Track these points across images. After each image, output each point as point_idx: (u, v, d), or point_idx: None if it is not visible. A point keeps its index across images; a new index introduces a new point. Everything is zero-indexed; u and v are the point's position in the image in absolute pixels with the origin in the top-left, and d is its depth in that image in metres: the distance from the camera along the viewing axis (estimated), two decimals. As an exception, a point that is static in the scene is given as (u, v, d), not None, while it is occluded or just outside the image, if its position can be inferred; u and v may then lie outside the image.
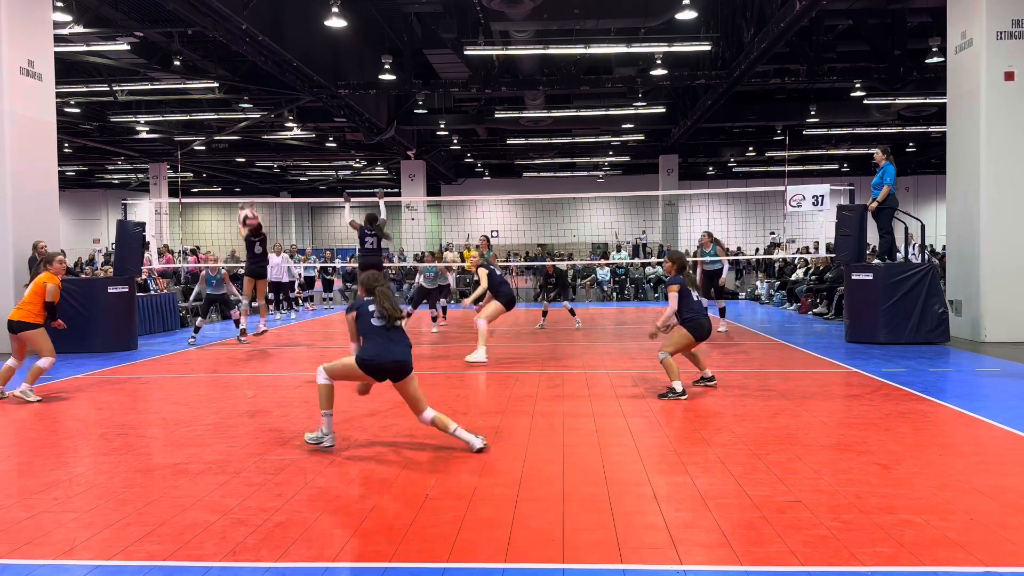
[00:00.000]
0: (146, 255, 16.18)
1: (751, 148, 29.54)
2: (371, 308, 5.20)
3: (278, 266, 16.41)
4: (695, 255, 13.83)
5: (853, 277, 11.09)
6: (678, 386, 6.90)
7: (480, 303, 9.91)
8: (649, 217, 30.44)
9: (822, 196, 12.77)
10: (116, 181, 35.91)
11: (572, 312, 14.02)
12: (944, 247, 15.75)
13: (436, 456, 5.09)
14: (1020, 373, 8.26)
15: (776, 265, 22.51)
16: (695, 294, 7.16)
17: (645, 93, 21.09)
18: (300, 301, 19.27)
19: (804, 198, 12.86)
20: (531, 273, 24.52)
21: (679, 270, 7.27)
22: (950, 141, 12.00)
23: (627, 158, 31.96)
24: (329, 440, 5.28)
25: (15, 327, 7.41)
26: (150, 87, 18.37)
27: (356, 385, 5.56)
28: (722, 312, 12.84)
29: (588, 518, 3.85)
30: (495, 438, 5.57)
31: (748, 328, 13.71)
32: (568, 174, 35.35)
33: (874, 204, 11.14)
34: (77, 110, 20.63)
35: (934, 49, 15.60)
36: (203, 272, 13.70)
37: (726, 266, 12.81)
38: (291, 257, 17.42)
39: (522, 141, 26.69)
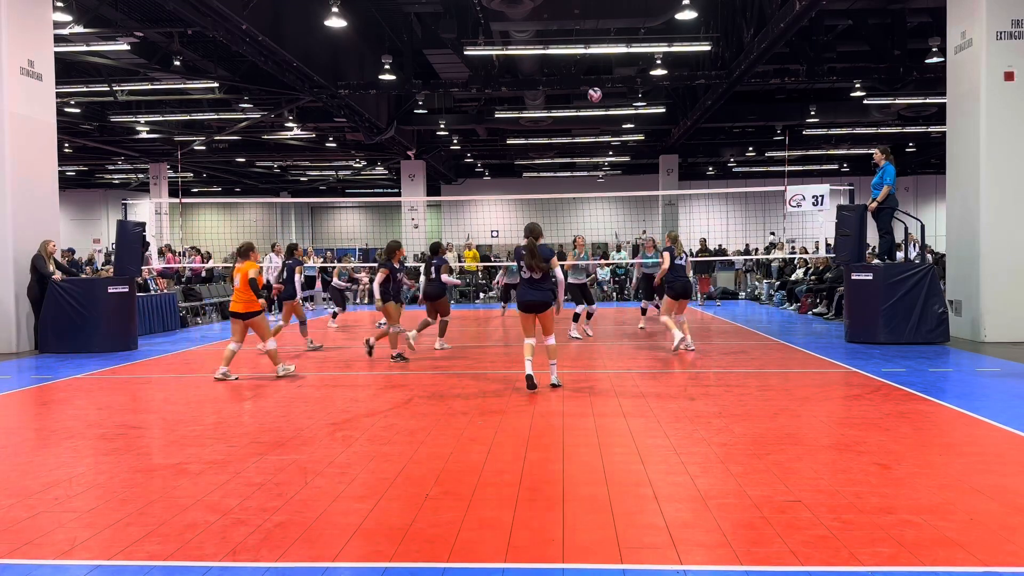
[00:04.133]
0: (146, 254, 16.18)
1: (751, 148, 29.52)
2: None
3: (278, 268, 16.38)
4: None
5: (853, 277, 11.09)
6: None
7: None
8: (649, 217, 30.42)
9: (822, 196, 12.77)
10: (116, 181, 35.90)
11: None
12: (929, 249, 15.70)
13: (436, 456, 5.09)
14: (1020, 373, 8.26)
15: (776, 265, 22.51)
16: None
17: (645, 93, 21.07)
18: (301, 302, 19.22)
19: (804, 198, 12.87)
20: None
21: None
22: (950, 141, 12.00)
23: (627, 158, 31.94)
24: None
25: (244, 316, 8.39)
26: (150, 87, 18.36)
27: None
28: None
29: (588, 518, 3.85)
30: (495, 438, 5.57)
31: (748, 328, 13.71)
32: (568, 174, 35.32)
33: (874, 204, 11.15)
34: (77, 110, 20.62)
35: (934, 49, 15.58)
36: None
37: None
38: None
39: (522, 141, 26.68)
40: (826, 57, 16.64)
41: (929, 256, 12.34)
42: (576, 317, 12.65)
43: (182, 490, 4.42)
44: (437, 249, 11.25)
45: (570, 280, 12.64)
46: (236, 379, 8.43)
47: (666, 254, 10.48)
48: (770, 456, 4.96)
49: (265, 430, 5.95)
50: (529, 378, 7.37)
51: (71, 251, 18.61)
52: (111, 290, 11.42)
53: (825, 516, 3.82)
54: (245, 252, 8.63)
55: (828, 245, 20.77)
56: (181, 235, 28.04)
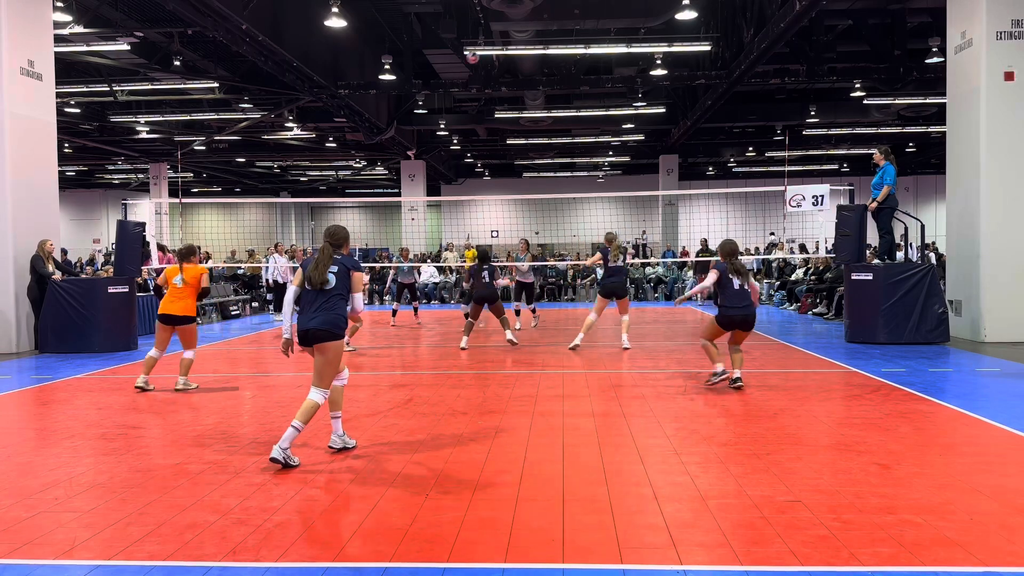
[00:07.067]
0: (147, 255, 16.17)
1: (751, 148, 29.52)
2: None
3: (278, 267, 16.45)
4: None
5: (853, 277, 11.09)
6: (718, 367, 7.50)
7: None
8: (649, 217, 30.43)
9: (822, 196, 12.77)
10: (116, 181, 35.89)
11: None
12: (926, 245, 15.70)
13: (436, 456, 5.09)
14: (1020, 373, 8.26)
15: (775, 265, 22.51)
16: (736, 282, 7.40)
17: (645, 93, 21.08)
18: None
19: (804, 198, 12.86)
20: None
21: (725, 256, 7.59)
22: (950, 141, 12.00)
23: (627, 158, 31.94)
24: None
25: (177, 320, 7.81)
26: (150, 87, 18.36)
27: None
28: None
29: (588, 518, 3.85)
30: (495, 438, 5.57)
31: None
32: (568, 174, 35.32)
33: (874, 204, 11.15)
34: (77, 110, 20.61)
35: (934, 49, 15.59)
36: (395, 260, 15.89)
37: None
38: (292, 258, 17.51)
39: (522, 141, 26.67)
40: (826, 57, 16.63)
41: (932, 255, 12.34)
42: (518, 312, 13.74)
43: (182, 490, 4.42)
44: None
45: (517, 279, 13.76)
46: (153, 389, 7.88)
47: (599, 254, 10.88)
48: (770, 456, 4.96)
49: (265, 430, 5.95)
50: (276, 460, 4.80)
51: (64, 252, 18.62)
52: (111, 290, 11.41)
53: (825, 516, 3.82)
54: (188, 254, 8.02)
55: (828, 249, 20.79)
56: (181, 235, 28.03)
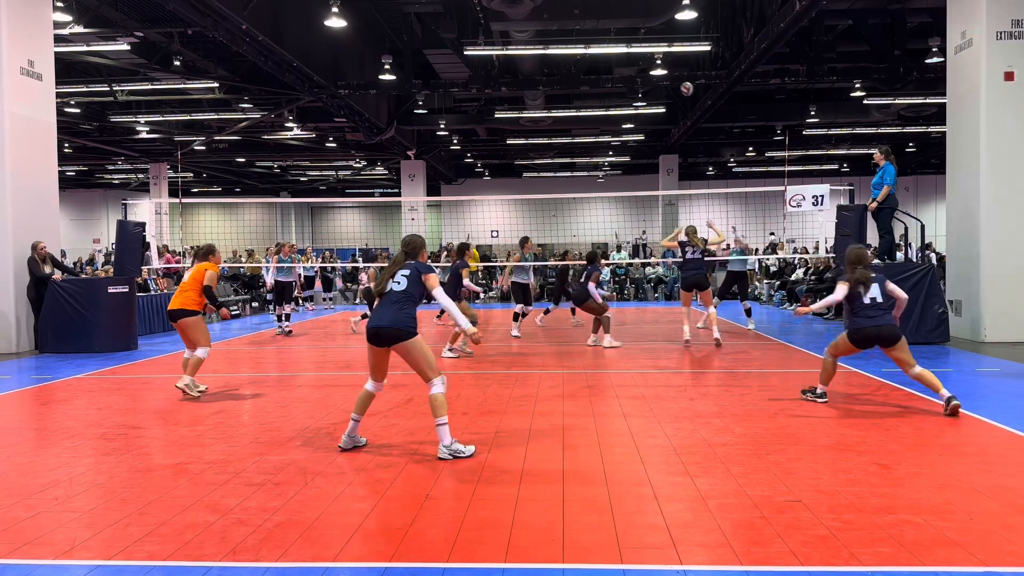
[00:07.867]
0: (147, 255, 16.20)
1: (751, 148, 29.51)
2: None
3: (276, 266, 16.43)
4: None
5: (853, 277, 11.08)
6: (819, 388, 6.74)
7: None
8: (649, 217, 30.43)
9: (822, 196, 12.77)
10: (116, 181, 35.89)
11: (748, 312, 14.17)
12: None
13: (436, 456, 5.09)
14: (1020, 373, 8.26)
15: (777, 265, 22.50)
16: (867, 295, 6.44)
17: (645, 93, 21.07)
18: (300, 301, 19.44)
19: (804, 198, 12.87)
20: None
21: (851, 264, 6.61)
22: (950, 141, 12.00)
23: (627, 158, 31.93)
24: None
25: (174, 315, 7.52)
26: (150, 87, 18.37)
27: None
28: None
29: (588, 518, 3.85)
30: (495, 438, 5.57)
31: (748, 328, 13.70)
32: (568, 174, 35.32)
33: (874, 204, 11.15)
34: (77, 110, 20.62)
35: (934, 49, 15.59)
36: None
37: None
38: (278, 253, 17.52)
39: (522, 141, 26.67)
40: (826, 57, 16.63)
41: (932, 255, 12.34)
42: (516, 316, 12.86)
43: (182, 490, 4.42)
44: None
45: (514, 279, 12.99)
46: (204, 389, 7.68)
47: (676, 243, 11.43)
48: (770, 456, 4.96)
49: (265, 430, 5.95)
50: (444, 458, 5.00)
51: (63, 252, 18.69)
52: (111, 290, 11.42)
53: (825, 516, 3.82)
54: (205, 253, 7.81)
55: (828, 249, 20.79)
56: (181, 235, 28.05)
